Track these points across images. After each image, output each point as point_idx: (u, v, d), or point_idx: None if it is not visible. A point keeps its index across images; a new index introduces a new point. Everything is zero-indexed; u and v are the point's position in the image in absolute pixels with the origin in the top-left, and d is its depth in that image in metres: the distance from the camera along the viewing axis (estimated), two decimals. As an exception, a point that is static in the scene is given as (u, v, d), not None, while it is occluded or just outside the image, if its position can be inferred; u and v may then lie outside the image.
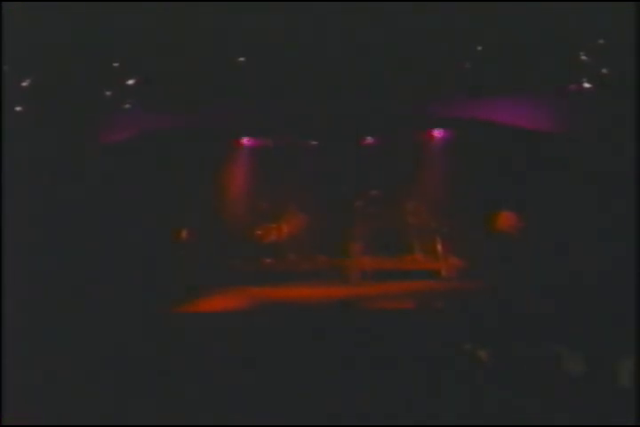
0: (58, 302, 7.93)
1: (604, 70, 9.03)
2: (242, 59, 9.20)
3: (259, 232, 12.60)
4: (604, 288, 7.69)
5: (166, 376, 6.09)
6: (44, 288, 8.22)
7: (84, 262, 9.83)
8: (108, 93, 9.60)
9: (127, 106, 9.95)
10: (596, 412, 5.37)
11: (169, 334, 7.21)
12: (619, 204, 8.31)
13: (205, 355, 6.65)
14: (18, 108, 9.03)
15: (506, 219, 10.58)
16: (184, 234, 11.36)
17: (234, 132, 12.32)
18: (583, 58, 8.98)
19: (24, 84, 8.94)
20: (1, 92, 7.95)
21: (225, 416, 5.47)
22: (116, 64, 9.16)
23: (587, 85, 9.31)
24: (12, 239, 7.36)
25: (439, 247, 11.72)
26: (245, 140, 12.72)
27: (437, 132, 12.24)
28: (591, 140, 9.34)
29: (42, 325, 6.67)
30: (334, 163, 12.32)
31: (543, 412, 5.52)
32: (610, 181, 8.87)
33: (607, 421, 5.23)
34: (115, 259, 10.24)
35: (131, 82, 9.43)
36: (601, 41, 8.70)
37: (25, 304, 7.02)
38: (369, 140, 12.56)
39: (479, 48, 8.97)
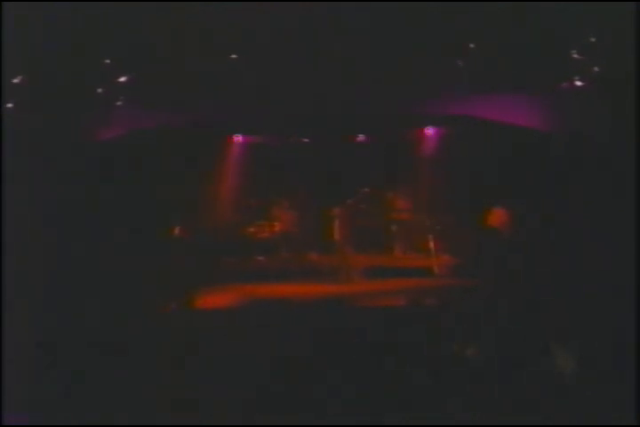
0: (55, 301, 7.90)
1: (596, 68, 9.07)
2: (234, 56, 9.16)
3: (251, 230, 12.59)
4: (601, 287, 7.73)
5: (164, 375, 6.09)
6: (41, 288, 8.17)
7: (76, 261, 9.77)
8: (99, 91, 9.54)
9: (119, 103, 9.90)
10: (595, 411, 5.41)
11: (162, 332, 7.20)
12: (617, 202, 8.35)
13: (200, 353, 6.64)
14: (9, 105, 8.95)
15: (499, 216, 10.60)
16: (176, 231, 11.32)
17: (225, 130, 12.28)
18: (575, 56, 9.02)
19: (15, 80, 8.86)
20: (1, 91, 7.89)
21: (223, 415, 5.47)
22: (107, 61, 9.10)
23: (579, 83, 9.36)
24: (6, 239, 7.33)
25: (432, 245, 11.73)
26: (237, 138, 12.70)
27: (430, 130, 12.27)
28: (587, 138, 9.39)
29: (41, 325, 6.64)
30: (326, 160, 12.33)
31: (540, 410, 5.56)
32: (608, 180, 8.91)
33: (606, 420, 5.27)
34: (107, 257, 10.18)
35: (122, 79, 9.37)
36: (593, 39, 8.73)
37: (24, 304, 6.98)
38: (361, 137, 12.58)
39: (471, 46, 8.98)
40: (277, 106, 10.22)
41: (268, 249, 12.40)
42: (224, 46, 8.95)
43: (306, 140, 12.62)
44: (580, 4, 7.82)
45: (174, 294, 9.62)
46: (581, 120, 9.52)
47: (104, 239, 10.20)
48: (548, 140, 9.97)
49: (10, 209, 7.62)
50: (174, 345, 6.77)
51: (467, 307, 8.15)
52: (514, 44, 8.65)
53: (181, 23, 8.34)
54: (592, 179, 9.26)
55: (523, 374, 6.12)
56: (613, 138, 8.61)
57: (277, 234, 12.56)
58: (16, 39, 7.50)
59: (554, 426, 5.42)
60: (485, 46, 8.87)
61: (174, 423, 5.48)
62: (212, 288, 10.85)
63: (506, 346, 6.60)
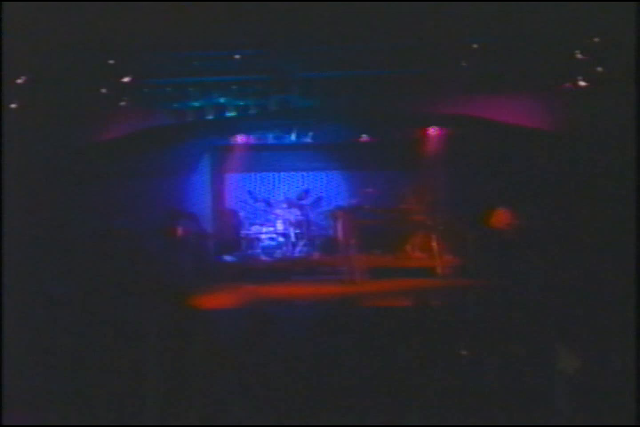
0: (55, 300, 7.90)
1: (600, 68, 9.06)
2: (237, 56, 9.18)
3: (253, 229, 12.64)
4: (603, 288, 7.71)
5: (164, 375, 6.08)
6: (42, 287, 8.19)
7: (77, 260, 9.79)
8: (100, 91, 9.57)
9: (119, 104, 9.93)
10: (595, 411, 5.39)
11: (165, 332, 7.20)
12: (618, 202, 8.34)
13: (203, 353, 6.64)
14: (13, 106, 8.97)
15: (502, 217, 10.58)
16: (179, 232, 11.33)
17: (226, 130, 12.30)
18: (579, 56, 9.00)
19: (19, 81, 8.89)
20: (1, 92, 7.89)
21: (223, 416, 5.47)
22: (108, 61, 9.12)
23: (582, 83, 9.35)
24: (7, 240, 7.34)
25: (435, 245, 11.72)
26: (240, 138, 12.72)
27: (433, 130, 12.27)
28: (589, 139, 9.38)
29: (41, 324, 6.65)
30: (330, 161, 12.37)
31: (541, 411, 5.55)
32: (610, 180, 8.90)
33: (606, 420, 5.26)
34: (107, 257, 10.20)
35: (123, 79, 9.39)
36: (597, 39, 8.71)
37: (24, 303, 6.99)
38: (363, 137, 12.60)
39: (475, 46, 8.97)
40: (279, 106, 10.23)
41: (271, 249, 12.46)
42: (224, 46, 8.97)
43: (308, 140, 12.67)
44: (580, 4, 7.81)
45: (177, 294, 9.64)
46: (582, 120, 9.51)
47: (104, 239, 10.22)
48: (549, 140, 9.96)
49: (10, 209, 7.63)
50: (175, 345, 6.76)
51: (470, 307, 8.14)
52: (514, 44, 8.65)
53: (184, 23, 8.35)
54: (593, 179, 9.25)
55: (524, 375, 6.10)
56: (614, 138, 8.59)
57: (279, 234, 12.61)
58: (16, 40, 7.52)
59: (554, 426, 5.41)
60: (486, 46, 8.86)
61: (175, 423, 5.47)
62: (214, 288, 10.88)
63: (508, 346, 6.58)
